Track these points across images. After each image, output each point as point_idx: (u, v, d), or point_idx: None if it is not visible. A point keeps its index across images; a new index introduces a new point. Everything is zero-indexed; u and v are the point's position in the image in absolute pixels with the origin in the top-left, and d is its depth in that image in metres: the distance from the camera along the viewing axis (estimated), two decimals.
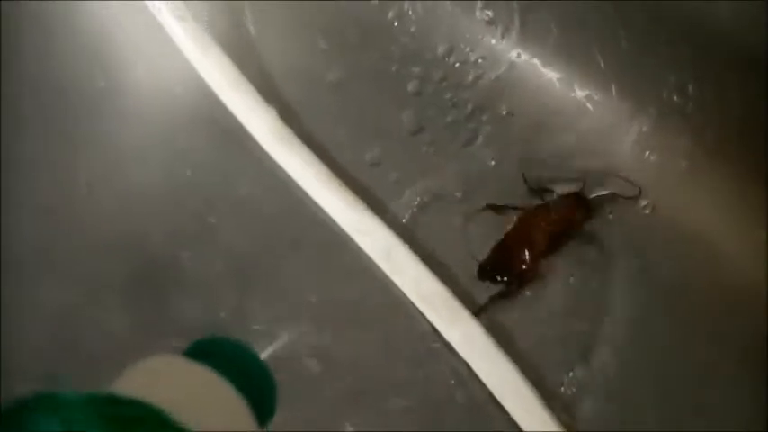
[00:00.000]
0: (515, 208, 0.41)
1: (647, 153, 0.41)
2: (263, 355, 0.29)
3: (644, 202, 0.41)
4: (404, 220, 0.42)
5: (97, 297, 0.42)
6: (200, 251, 0.43)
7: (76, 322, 0.42)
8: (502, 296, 0.41)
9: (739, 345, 0.39)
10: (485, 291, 0.41)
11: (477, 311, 0.40)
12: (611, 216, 0.41)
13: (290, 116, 0.42)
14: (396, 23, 0.43)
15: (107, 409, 0.19)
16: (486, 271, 0.41)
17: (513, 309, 0.41)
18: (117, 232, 0.43)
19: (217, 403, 0.23)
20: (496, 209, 0.42)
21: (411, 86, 0.43)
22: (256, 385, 0.24)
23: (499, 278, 0.41)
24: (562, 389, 0.40)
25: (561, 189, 0.41)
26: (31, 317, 0.42)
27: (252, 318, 0.41)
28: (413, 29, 0.43)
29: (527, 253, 0.41)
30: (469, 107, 0.42)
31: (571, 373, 0.40)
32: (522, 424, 0.39)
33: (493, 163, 0.42)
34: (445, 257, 0.41)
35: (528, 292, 0.41)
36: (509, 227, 0.41)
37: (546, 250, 0.41)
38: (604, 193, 0.41)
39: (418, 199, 0.42)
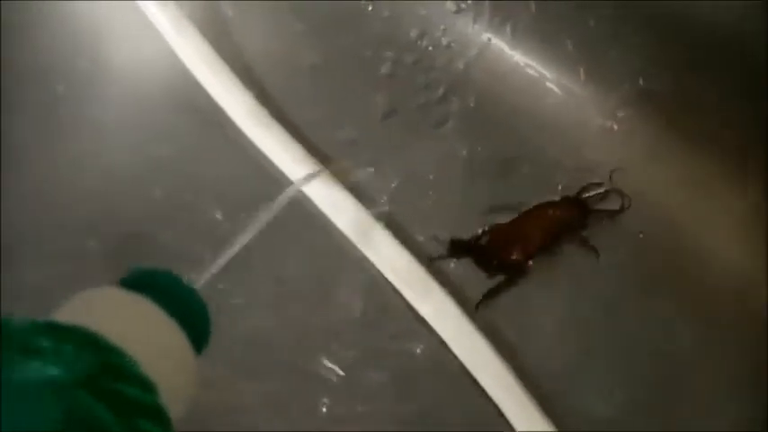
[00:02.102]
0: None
1: (617, 137, 0.43)
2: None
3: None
4: (378, 200, 0.43)
5: (79, 274, 0.43)
6: (177, 228, 0.43)
7: (58, 297, 0.42)
8: (499, 289, 0.42)
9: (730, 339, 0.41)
10: (457, 268, 0.42)
11: (477, 305, 0.42)
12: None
13: (265, 98, 0.43)
14: (370, 8, 0.44)
15: (45, 334, 0.20)
16: (480, 259, 0.42)
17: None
18: (98, 211, 0.44)
19: (151, 329, 0.23)
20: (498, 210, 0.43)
21: (384, 69, 0.44)
22: (191, 314, 0.25)
23: (491, 269, 0.42)
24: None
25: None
26: (11, 291, 0.42)
27: (230, 293, 0.42)
28: (386, 13, 0.44)
29: (520, 246, 0.42)
30: (441, 90, 0.44)
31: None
32: (497, 398, 0.40)
33: (463, 147, 0.43)
34: (419, 237, 0.42)
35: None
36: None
37: (539, 248, 0.42)
38: (606, 209, 0.42)
39: (391, 179, 0.43)
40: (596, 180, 0.42)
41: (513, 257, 0.42)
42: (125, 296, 0.24)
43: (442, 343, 0.41)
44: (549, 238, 0.42)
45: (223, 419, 0.40)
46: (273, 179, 0.42)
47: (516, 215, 0.42)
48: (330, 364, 0.41)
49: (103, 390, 0.19)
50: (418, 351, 0.41)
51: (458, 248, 0.42)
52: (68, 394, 0.18)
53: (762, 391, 0.39)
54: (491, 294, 0.42)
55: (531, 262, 0.42)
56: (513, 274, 0.42)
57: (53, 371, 0.18)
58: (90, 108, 0.45)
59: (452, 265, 0.42)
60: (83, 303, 0.23)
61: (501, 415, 0.40)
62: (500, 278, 0.42)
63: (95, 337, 0.20)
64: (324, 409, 0.41)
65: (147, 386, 0.20)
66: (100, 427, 0.18)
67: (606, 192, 0.42)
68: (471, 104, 0.43)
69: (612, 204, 0.42)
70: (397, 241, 0.42)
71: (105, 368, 0.20)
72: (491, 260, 0.42)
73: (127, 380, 0.20)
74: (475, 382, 0.40)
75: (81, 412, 0.18)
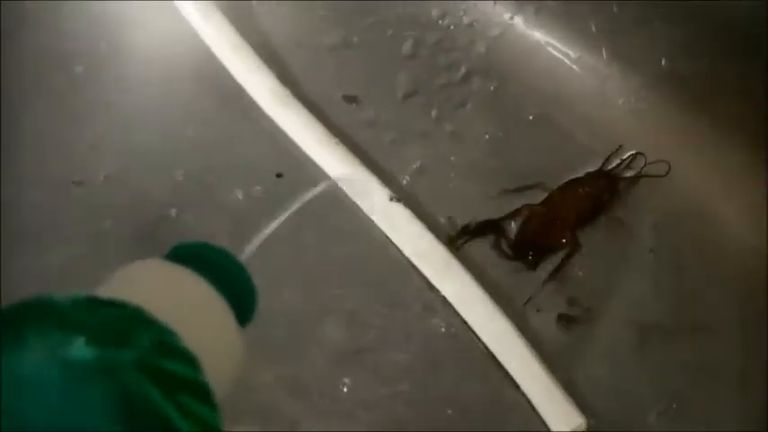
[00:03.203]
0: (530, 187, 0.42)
1: (638, 117, 0.43)
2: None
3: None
4: (399, 181, 0.43)
5: (101, 255, 0.43)
6: (199, 209, 0.43)
7: (81, 279, 0.42)
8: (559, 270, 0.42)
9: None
10: (480, 249, 0.42)
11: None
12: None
13: (288, 79, 0.43)
14: None
15: (88, 309, 0.20)
16: (520, 247, 0.42)
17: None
18: (120, 192, 0.44)
19: (196, 302, 0.23)
20: (517, 190, 0.42)
21: (406, 49, 0.44)
22: (236, 287, 0.25)
23: (531, 255, 0.42)
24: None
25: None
26: (35, 274, 0.42)
27: (252, 273, 0.42)
28: None
29: (558, 228, 0.42)
30: (463, 70, 0.44)
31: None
32: (517, 377, 0.40)
33: (485, 128, 0.43)
34: (440, 218, 0.42)
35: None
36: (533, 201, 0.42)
37: (574, 226, 0.42)
38: (631, 174, 0.42)
39: (412, 160, 0.43)
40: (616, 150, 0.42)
41: (554, 241, 0.42)
42: (169, 268, 0.24)
43: (465, 323, 0.41)
44: (586, 215, 0.42)
45: (243, 399, 0.40)
46: (295, 159, 0.42)
47: (546, 193, 0.42)
48: (352, 345, 0.41)
49: (150, 367, 0.19)
50: (443, 330, 0.41)
51: (485, 228, 0.42)
52: (120, 375, 0.18)
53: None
54: (552, 277, 0.42)
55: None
56: (567, 256, 0.42)
57: (102, 351, 0.18)
58: (110, 90, 0.45)
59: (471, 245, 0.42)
60: (127, 276, 0.23)
61: (524, 396, 0.40)
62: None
63: (138, 312, 0.20)
64: (345, 390, 0.41)
65: (190, 361, 0.20)
66: (151, 406, 0.18)
67: (630, 157, 0.42)
68: (493, 84, 0.43)
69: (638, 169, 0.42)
70: (418, 221, 0.41)
71: (151, 345, 0.19)
72: (531, 248, 0.42)
73: (170, 355, 0.20)
74: (498, 363, 0.40)
75: (132, 392, 0.18)
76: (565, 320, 0.41)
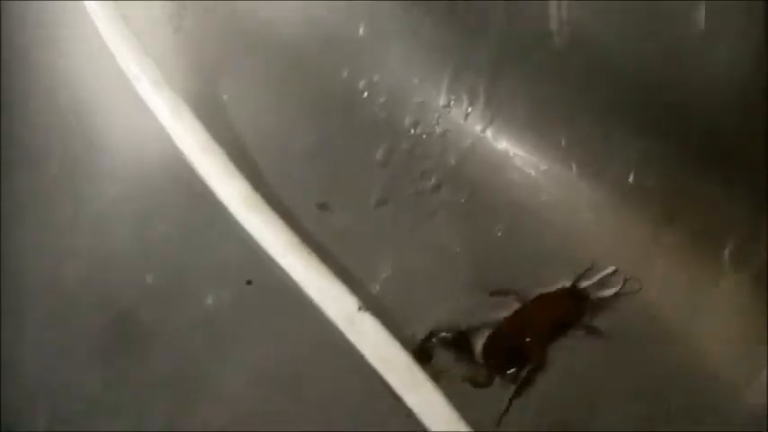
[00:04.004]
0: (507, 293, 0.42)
1: (609, 230, 0.43)
2: None
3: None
4: (369, 289, 0.43)
5: (70, 355, 0.43)
6: (169, 309, 0.44)
7: (50, 380, 0.43)
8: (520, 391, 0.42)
9: None
10: (448, 360, 0.42)
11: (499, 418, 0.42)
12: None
13: (258, 182, 0.43)
14: (365, 94, 0.44)
15: None
16: (490, 361, 0.42)
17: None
18: (89, 290, 0.44)
19: None
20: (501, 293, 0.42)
21: (378, 156, 0.44)
22: None
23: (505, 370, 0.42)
24: None
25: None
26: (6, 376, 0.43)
27: (221, 380, 0.42)
28: (382, 99, 0.44)
29: (526, 343, 0.42)
30: (434, 180, 0.44)
31: None
32: None
33: (456, 239, 0.43)
34: (407, 330, 0.42)
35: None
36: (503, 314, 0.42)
37: (541, 341, 0.42)
38: (606, 293, 0.42)
39: (382, 270, 0.43)
40: (590, 268, 0.42)
41: (524, 354, 0.42)
42: None
43: None
44: (554, 331, 0.42)
45: None
46: (265, 265, 0.42)
47: (519, 304, 0.42)
48: None
49: None
50: None
51: (453, 342, 0.42)
52: None
53: None
54: (518, 394, 0.42)
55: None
56: (531, 372, 0.42)
57: None
58: (82, 185, 0.45)
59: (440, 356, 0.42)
60: None
61: None
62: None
63: None
64: None
65: None
66: None
67: (606, 277, 0.42)
68: (464, 195, 0.44)
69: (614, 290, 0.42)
70: (386, 331, 0.42)
71: None
72: (502, 363, 0.42)
73: None
74: None
75: None
76: None
